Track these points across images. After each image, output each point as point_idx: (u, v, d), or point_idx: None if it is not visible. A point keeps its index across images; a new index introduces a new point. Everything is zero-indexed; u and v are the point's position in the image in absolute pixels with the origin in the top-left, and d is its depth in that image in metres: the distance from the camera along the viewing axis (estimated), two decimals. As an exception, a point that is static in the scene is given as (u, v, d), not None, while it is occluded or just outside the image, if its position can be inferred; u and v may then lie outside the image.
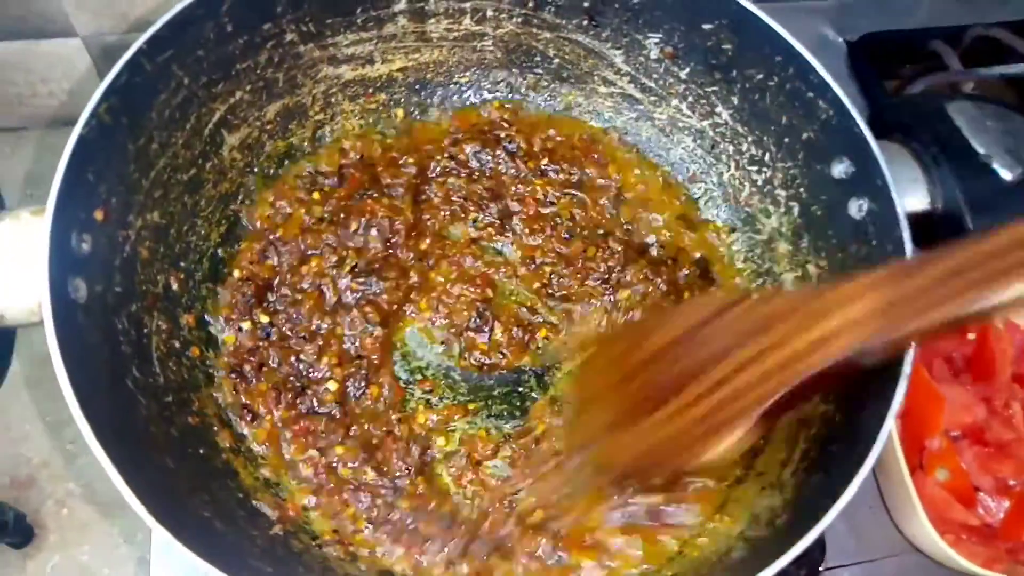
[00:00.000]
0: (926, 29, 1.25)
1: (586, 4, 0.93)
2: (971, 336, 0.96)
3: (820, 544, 0.90)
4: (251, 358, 0.84)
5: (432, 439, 0.83)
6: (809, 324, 0.61)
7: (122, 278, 0.75)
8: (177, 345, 0.80)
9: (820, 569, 0.90)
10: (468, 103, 1.01)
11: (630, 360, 0.74)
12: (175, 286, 0.82)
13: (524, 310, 0.90)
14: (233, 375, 0.83)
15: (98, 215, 0.72)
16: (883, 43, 1.24)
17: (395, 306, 0.88)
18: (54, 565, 1.00)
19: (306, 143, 0.95)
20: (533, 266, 0.92)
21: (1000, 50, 1.20)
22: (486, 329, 0.88)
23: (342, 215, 0.91)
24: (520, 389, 0.87)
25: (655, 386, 0.70)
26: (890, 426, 0.66)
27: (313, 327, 0.86)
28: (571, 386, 0.86)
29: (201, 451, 0.77)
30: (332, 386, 0.84)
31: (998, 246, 0.56)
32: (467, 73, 1.00)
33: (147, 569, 0.86)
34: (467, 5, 0.93)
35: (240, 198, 0.90)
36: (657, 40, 0.93)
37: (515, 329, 0.88)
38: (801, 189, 0.87)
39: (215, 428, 0.80)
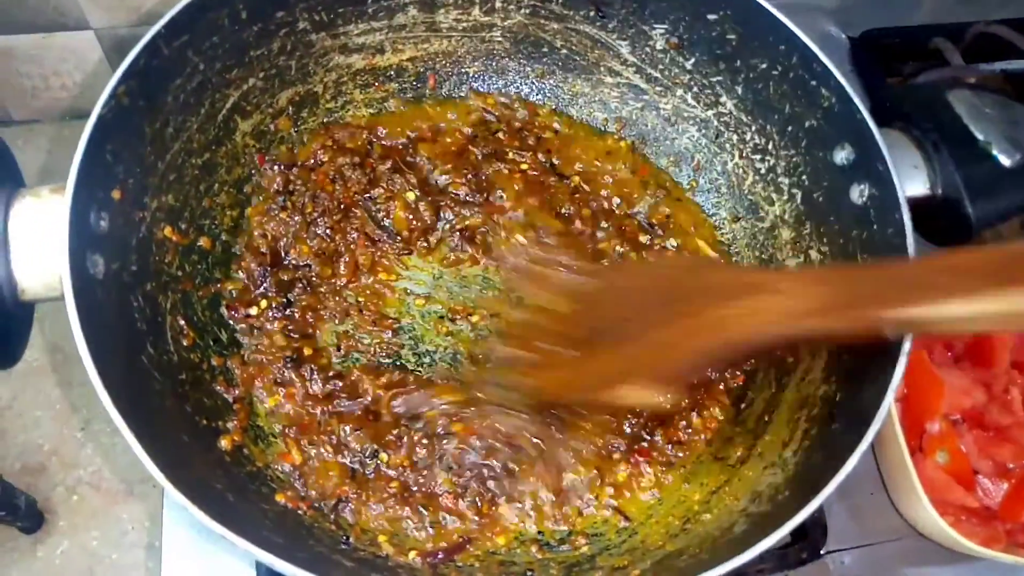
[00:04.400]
0: (928, 26, 1.26)
1: (591, -5, 0.95)
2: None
3: (822, 527, 0.91)
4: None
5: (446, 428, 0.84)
6: (750, 305, 0.65)
7: (138, 257, 0.76)
8: (190, 325, 0.82)
9: (822, 552, 0.91)
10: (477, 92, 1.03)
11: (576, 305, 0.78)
12: (188, 267, 0.84)
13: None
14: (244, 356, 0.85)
15: (115, 194, 0.73)
16: (885, 40, 1.25)
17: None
18: (64, 550, 1.01)
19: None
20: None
21: (1001, 47, 1.22)
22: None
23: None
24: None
25: (595, 330, 0.74)
26: (889, 403, 0.68)
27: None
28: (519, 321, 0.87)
29: (215, 426, 0.78)
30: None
31: (954, 265, 0.59)
32: (476, 63, 1.01)
33: (157, 555, 0.86)
34: (476, -5, 0.96)
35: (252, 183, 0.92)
36: (663, 31, 0.94)
37: None
38: (804, 176, 0.88)
39: (228, 406, 0.81)
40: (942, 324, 0.59)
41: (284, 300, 0.87)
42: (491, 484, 0.81)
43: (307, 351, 0.85)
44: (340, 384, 0.84)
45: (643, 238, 0.96)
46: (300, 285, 0.88)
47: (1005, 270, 0.56)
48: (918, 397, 0.90)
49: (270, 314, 0.86)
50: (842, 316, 0.62)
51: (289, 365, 0.84)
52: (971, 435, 0.88)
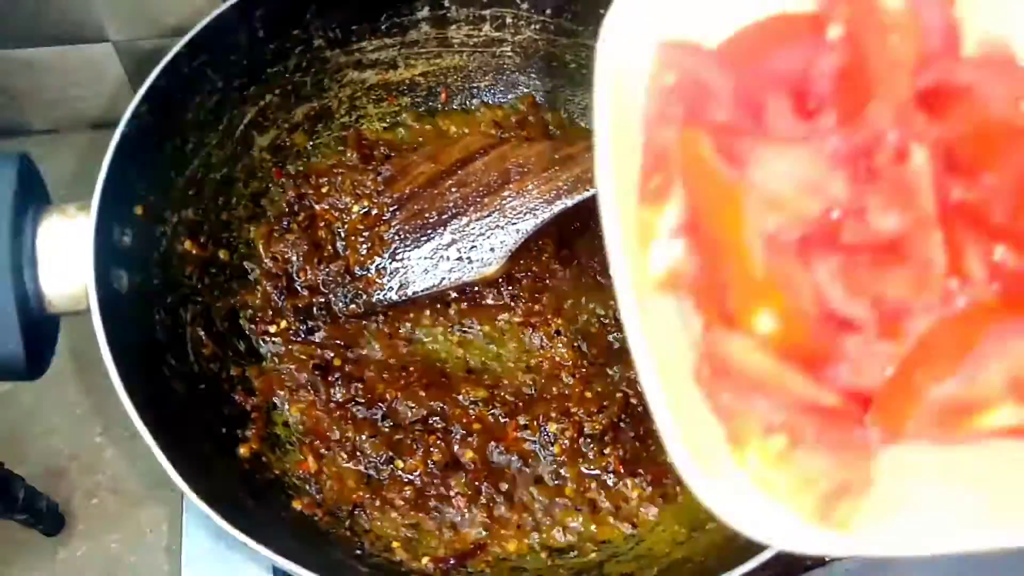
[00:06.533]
0: None
1: (602, 11, 0.95)
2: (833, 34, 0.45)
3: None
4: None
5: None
6: (549, 177, 0.79)
7: (160, 271, 0.79)
8: (210, 336, 0.83)
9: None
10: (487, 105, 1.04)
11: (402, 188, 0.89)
12: (208, 279, 0.85)
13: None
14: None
15: (138, 210, 0.75)
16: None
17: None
18: (84, 553, 1.03)
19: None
20: None
21: None
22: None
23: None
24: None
25: (422, 219, 0.86)
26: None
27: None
28: None
29: (234, 434, 0.80)
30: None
31: None
32: (487, 77, 1.02)
33: (176, 558, 0.88)
34: (487, 12, 0.97)
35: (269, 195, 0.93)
36: (670, 46, 0.95)
37: None
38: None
39: (246, 415, 0.83)
40: None
41: (305, 327, 0.88)
42: (503, 487, 0.82)
43: (336, 361, 0.87)
44: (360, 388, 0.85)
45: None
46: (319, 313, 0.89)
47: None
48: (709, 224, 0.42)
49: (290, 335, 0.88)
50: None
51: (317, 373, 0.85)
52: (825, 265, 0.41)
